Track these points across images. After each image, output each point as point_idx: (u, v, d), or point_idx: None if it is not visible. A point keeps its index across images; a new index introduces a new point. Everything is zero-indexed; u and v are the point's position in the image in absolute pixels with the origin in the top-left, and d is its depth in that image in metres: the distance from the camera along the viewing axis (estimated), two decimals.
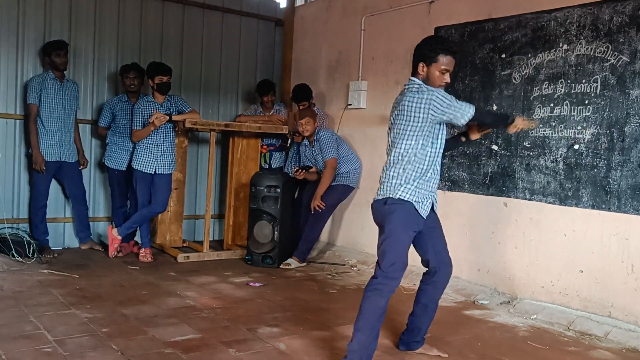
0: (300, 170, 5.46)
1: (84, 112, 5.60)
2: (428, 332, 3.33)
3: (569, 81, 4.03)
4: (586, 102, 3.93)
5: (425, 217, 2.98)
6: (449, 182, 4.82)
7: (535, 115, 4.21)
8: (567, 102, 4.04)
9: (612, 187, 3.78)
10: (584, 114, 3.94)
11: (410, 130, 2.88)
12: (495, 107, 4.47)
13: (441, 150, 2.99)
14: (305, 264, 5.41)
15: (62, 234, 5.56)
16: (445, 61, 2.89)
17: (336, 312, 3.96)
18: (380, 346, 3.34)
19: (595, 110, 3.88)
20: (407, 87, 2.97)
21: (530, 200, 4.25)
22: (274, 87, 6.03)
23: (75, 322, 3.47)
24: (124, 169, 5.43)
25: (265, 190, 5.22)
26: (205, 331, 3.42)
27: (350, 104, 5.77)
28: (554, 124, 4.10)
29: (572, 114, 4.00)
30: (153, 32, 5.92)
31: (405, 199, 2.90)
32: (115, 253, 5.24)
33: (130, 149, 5.34)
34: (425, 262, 3.15)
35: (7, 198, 5.22)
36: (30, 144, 5.07)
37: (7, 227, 5.06)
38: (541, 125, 4.17)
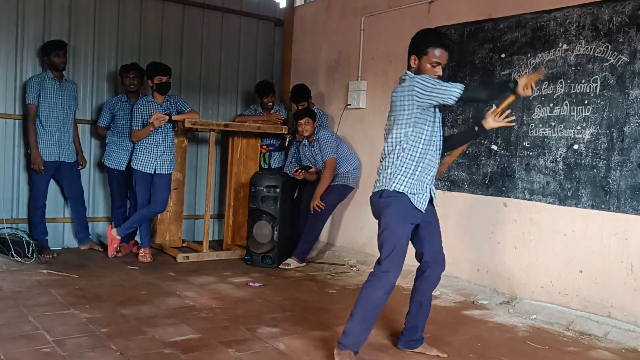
0: (299, 170, 5.45)
1: (84, 112, 5.59)
2: (427, 332, 3.33)
3: (568, 81, 4.03)
4: (586, 102, 3.93)
5: (423, 211, 2.99)
6: (449, 182, 4.81)
7: (534, 115, 4.21)
8: (566, 102, 4.03)
9: (611, 187, 3.78)
10: (583, 114, 3.94)
11: (400, 120, 2.93)
12: (494, 107, 4.45)
13: (435, 139, 2.98)
14: (304, 264, 5.40)
15: (62, 234, 5.56)
16: (436, 54, 2.91)
17: (336, 312, 3.95)
18: (380, 346, 3.35)
19: (595, 110, 3.88)
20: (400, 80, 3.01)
21: (529, 200, 4.25)
22: (273, 88, 6.02)
23: (74, 322, 3.46)
24: (124, 168, 5.42)
25: (264, 190, 5.22)
26: (205, 331, 3.42)
27: (350, 104, 5.77)
28: (553, 124, 4.10)
29: (572, 114, 4.00)
30: (153, 32, 5.92)
31: (400, 190, 2.93)
32: (115, 253, 5.24)
33: (130, 149, 5.34)
34: (419, 256, 3.16)
35: (6, 198, 5.22)
36: (29, 144, 5.06)
37: (7, 227, 5.05)
38: (541, 126, 4.17)
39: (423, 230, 3.08)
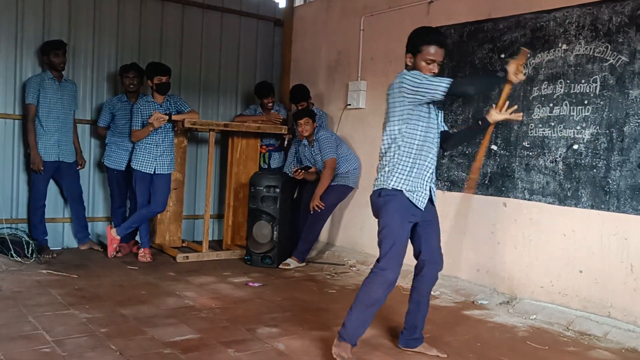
0: (299, 171, 5.45)
1: (83, 112, 5.59)
2: (427, 332, 3.34)
3: (568, 81, 4.03)
4: (585, 102, 3.93)
5: (422, 209, 2.99)
6: (448, 182, 4.81)
7: (534, 116, 4.21)
8: (566, 102, 4.03)
9: (611, 187, 3.78)
10: (583, 114, 3.94)
11: (393, 117, 2.96)
12: (494, 107, 4.45)
13: (432, 136, 2.98)
14: (304, 264, 5.40)
15: (61, 234, 5.56)
16: (430, 51, 2.91)
17: (335, 312, 3.95)
18: (380, 346, 3.35)
19: (595, 111, 3.88)
20: None
21: (529, 200, 4.25)
22: (273, 89, 6.02)
23: (74, 322, 3.46)
24: (123, 168, 5.42)
25: (264, 190, 5.22)
26: (204, 331, 3.42)
27: (350, 104, 5.77)
28: (553, 124, 4.10)
29: (572, 114, 4.00)
30: (152, 32, 5.92)
31: (398, 188, 2.94)
32: (114, 253, 5.24)
33: (130, 149, 5.34)
34: (416, 255, 3.17)
35: (5, 198, 5.22)
36: (29, 144, 5.06)
37: (6, 227, 5.05)
38: (540, 126, 4.17)
39: (421, 229, 3.09)
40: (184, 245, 5.93)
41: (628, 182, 3.70)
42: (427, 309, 3.23)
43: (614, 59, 3.78)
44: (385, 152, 3.01)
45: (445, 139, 3.14)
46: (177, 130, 5.40)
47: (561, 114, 4.06)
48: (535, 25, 4.22)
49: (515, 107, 3.05)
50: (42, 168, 5.03)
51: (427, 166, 2.98)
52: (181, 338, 3.29)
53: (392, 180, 2.96)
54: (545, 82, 4.15)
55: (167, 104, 5.20)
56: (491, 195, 4.51)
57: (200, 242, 5.69)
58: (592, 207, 3.88)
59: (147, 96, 5.25)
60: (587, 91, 3.92)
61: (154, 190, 5.20)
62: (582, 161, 3.94)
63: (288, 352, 3.18)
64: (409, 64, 2.99)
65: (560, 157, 4.06)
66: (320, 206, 5.27)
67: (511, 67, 2.79)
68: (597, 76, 3.87)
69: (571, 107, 4.01)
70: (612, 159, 3.78)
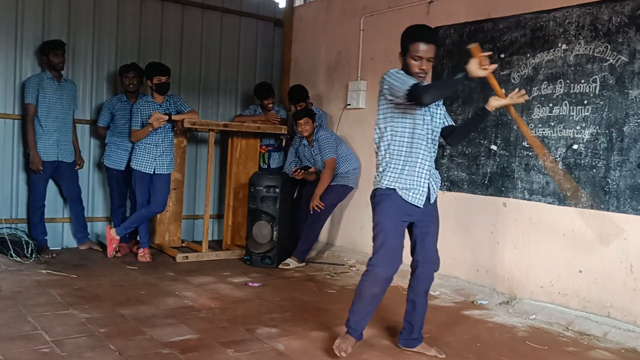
0: (299, 171, 5.45)
1: (83, 112, 5.59)
2: (426, 332, 3.33)
3: (567, 81, 4.03)
4: (585, 102, 3.92)
5: (420, 206, 3.00)
6: (448, 182, 4.81)
7: (534, 115, 4.20)
8: (566, 102, 4.03)
9: (611, 187, 3.78)
10: (582, 114, 3.94)
11: (379, 116, 3.03)
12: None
13: (423, 133, 2.98)
14: (304, 264, 5.40)
15: (61, 234, 5.56)
16: (416, 48, 2.92)
17: (335, 312, 3.95)
18: (380, 346, 3.35)
19: (594, 110, 3.87)
20: None
21: (529, 200, 4.25)
22: (273, 90, 6.01)
23: (73, 322, 3.46)
24: (123, 168, 5.42)
25: (264, 190, 5.22)
26: (204, 331, 3.42)
27: (349, 104, 5.77)
28: (553, 124, 4.10)
29: (571, 114, 4.00)
30: (152, 32, 5.92)
31: (391, 187, 2.98)
32: (114, 253, 5.23)
33: (130, 149, 5.34)
34: (412, 254, 3.18)
35: (5, 198, 5.22)
36: (28, 143, 5.06)
37: (6, 227, 5.05)
38: (540, 126, 4.17)
39: (418, 229, 3.10)
40: (183, 245, 5.93)
41: (628, 182, 3.70)
42: (425, 308, 3.22)
43: (613, 59, 3.78)
44: (377, 151, 3.06)
45: (449, 134, 3.13)
46: (177, 130, 5.40)
47: (561, 114, 4.06)
48: (535, 25, 4.22)
49: (517, 90, 2.99)
50: (41, 168, 5.03)
51: (421, 163, 2.99)
52: (180, 338, 3.29)
53: (385, 179, 3.00)
54: (545, 82, 4.15)
55: (166, 104, 5.20)
56: (491, 195, 4.51)
57: (200, 242, 5.69)
58: (591, 207, 3.88)
59: (146, 96, 5.25)
60: (587, 91, 3.92)
61: (154, 190, 5.20)
62: (582, 161, 3.93)
63: (287, 352, 3.18)
64: (400, 62, 3.03)
65: (560, 157, 4.06)
66: (320, 206, 5.27)
67: (471, 65, 2.73)
68: (596, 76, 3.87)
69: (571, 107, 4.01)
70: (612, 159, 3.78)
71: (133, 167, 5.17)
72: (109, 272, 4.75)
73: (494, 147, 4.48)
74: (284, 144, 6.14)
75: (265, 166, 6.08)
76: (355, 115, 5.76)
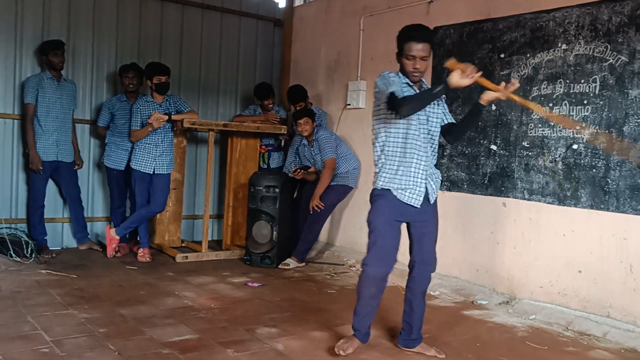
0: (298, 170, 5.45)
1: (83, 112, 5.59)
2: (426, 332, 3.33)
3: (567, 81, 4.03)
4: (585, 102, 3.92)
5: (416, 206, 3.00)
6: (448, 182, 4.81)
7: (534, 115, 4.20)
8: (566, 102, 4.03)
9: (610, 187, 3.78)
10: (582, 114, 3.94)
11: (375, 117, 3.06)
12: (494, 107, 4.46)
13: (417, 133, 2.98)
14: (303, 264, 5.40)
15: (61, 234, 5.56)
16: (409, 48, 2.93)
17: (335, 312, 3.95)
18: (379, 346, 3.35)
19: (594, 110, 3.87)
20: None
21: (529, 200, 4.24)
22: (273, 91, 6.01)
23: (72, 322, 3.46)
24: (123, 168, 5.42)
25: (264, 190, 5.22)
26: (203, 331, 3.42)
27: (349, 104, 5.76)
28: (552, 124, 4.10)
29: (571, 114, 4.00)
30: (152, 32, 5.92)
31: (386, 187, 3.01)
32: (114, 253, 5.23)
33: (129, 149, 5.33)
34: (410, 253, 3.20)
35: (5, 198, 5.22)
36: (27, 143, 5.05)
37: (5, 227, 5.05)
38: (540, 125, 4.17)
39: (415, 229, 3.11)
40: (183, 245, 5.93)
41: (627, 182, 3.70)
42: (422, 309, 3.22)
43: (613, 59, 3.78)
44: (374, 152, 3.10)
45: (449, 131, 3.13)
46: (177, 130, 5.40)
47: (561, 113, 4.05)
48: (534, 25, 4.22)
49: (504, 83, 2.96)
50: (40, 168, 5.03)
51: (417, 163, 2.99)
52: (180, 338, 3.29)
53: (380, 180, 3.04)
54: (545, 82, 4.15)
55: (166, 104, 5.20)
56: (491, 195, 4.51)
57: (200, 242, 5.69)
58: (591, 207, 3.88)
59: (146, 96, 5.25)
60: (587, 91, 3.91)
61: (153, 190, 5.19)
62: (582, 161, 3.93)
63: (287, 352, 3.17)
64: (398, 63, 3.03)
65: (559, 157, 4.06)
66: (320, 206, 5.27)
67: (452, 77, 2.75)
68: (596, 76, 3.87)
69: (571, 107, 4.00)
70: (612, 159, 3.77)
71: (133, 167, 5.17)
72: (109, 272, 4.74)
73: (493, 147, 4.48)
74: (282, 144, 6.14)
75: (265, 166, 6.08)
76: (355, 115, 5.76)
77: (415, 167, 2.99)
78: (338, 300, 4.28)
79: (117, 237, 5.19)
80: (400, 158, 2.99)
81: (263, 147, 6.06)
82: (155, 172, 5.17)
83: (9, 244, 4.82)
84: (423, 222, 3.09)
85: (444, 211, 4.53)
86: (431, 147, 3.06)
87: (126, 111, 5.37)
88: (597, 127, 3.85)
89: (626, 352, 3.45)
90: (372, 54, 5.60)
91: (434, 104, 3.03)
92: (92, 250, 5.46)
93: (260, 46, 6.64)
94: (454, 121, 3.17)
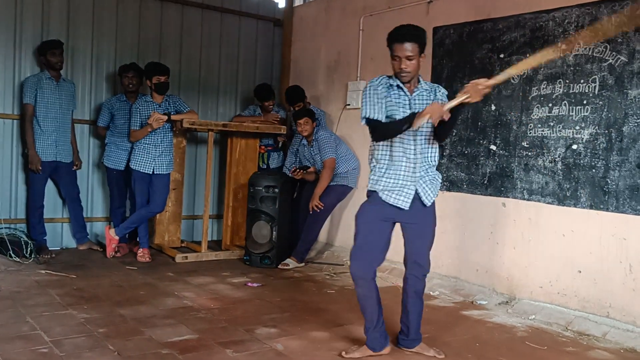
0: (298, 170, 5.45)
1: (82, 112, 5.59)
2: (426, 332, 3.33)
3: (567, 81, 4.03)
4: (584, 102, 3.92)
5: (404, 207, 3.01)
6: (447, 183, 4.81)
7: (533, 115, 4.20)
8: (565, 102, 4.03)
9: (610, 188, 3.78)
10: (582, 114, 3.93)
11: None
12: (493, 107, 4.46)
13: (407, 137, 2.98)
14: (303, 264, 5.40)
15: (60, 234, 5.55)
16: (393, 49, 2.97)
17: (335, 312, 3.95)
18: None
19: (594, 110, 3.87)
20: None
21: (528, 200, 4.24)
22: (273, 92, 6.00)
23: (72, 322, 3.46)
24: (123, 168, 5.42)
25: (263, 190, 5.22)
26: (203, 332, 3.41)
27: (349, 104, 5.76)
28: (552, 124, 4.10)
29: (571, 114, 4.00)
30: (151, 32, 5.91)
31: (373, 189, 3.06)
32: (113, 253, 5.23)
33: (129, 149, 5.33)
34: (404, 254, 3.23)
35: (4, 198, 5.22)
36: (27, 143, 5.05)
37: (5, 227, 5.04)
38: (539, 126, 4.17)
39: (406, 231, 3.14)
40: (183, 245, 5.92)
41: (627, 182, 3.70)
42: (417, 309, 3.22)
43: (612, 59, 3.78)
44: (368, 155, 3.17)
45: (436, 131, 3.07)
46: (176, 130, 5.39)
47: (560, 113, 4.05)
48: (534, 25, 4.22)
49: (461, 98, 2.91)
50: (40, 168, 5.03)
51: (406, 166, 3.01)
52: (179, 338, 3.29)
53: (370, 181, 3.10)
54: (545, 82, 4.15)
55: (165, 104, 5.20)
56: (490, 195, 4.50)
57: (199, 242, 5.68)
58: (591, 207, 3.87)
59: (146, 96, 5.25)
60: (586, 91, 3.91)
61: (153, 190, 5.19)
62: (581, 161, 3.93)
63: (287, 352, 3.17)
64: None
65: (559, 157, 4.06)
66: (320, 206, 5.26)
67: (417, 122, 2.77)
68: (596, 76, 3.87)
69: (570, 107, 4.00)
70: (611, 159, 3.77)
71: (132, 167, 5.17)
72: (108, 272, 4.74)
73: (493, 147, 4.48)
74: (280, 145, 6.13)
75: (265, 166, 6.07)
76: (355, 115, 5.75)
77: (404, 170, 3.01)
78: (337, 301, 4.28)
79: (117, 238, 5.19)
80: (389, 161, 3.03)
81: (262, 147, 6.05)
82: (155, 173, 5.17)
83: (9, 244, 4.82)
84: (414, 224, 3.09)
85: (444, 211, 4.55)
86: (422, 149, 3.04)
87: (126, 111, 5.37)
88: (597, 127, 3.85)
89: (626, 352, 3.45)
90: (372, 54, 5.60)
91: (424, 106, 2.99)
92: (91, 250, 5.45)
93: (260, 46, 6.64)
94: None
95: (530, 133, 4.22)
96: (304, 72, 6.46)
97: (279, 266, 5.24)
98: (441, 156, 4.82)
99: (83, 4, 5.52)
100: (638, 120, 3.66)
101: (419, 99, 3.04)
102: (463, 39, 4.71)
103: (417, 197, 3.04)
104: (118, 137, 5.42)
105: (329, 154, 5.30)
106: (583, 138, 3.92)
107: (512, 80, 4.34)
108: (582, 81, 3.94)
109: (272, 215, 5.21)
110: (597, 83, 3.86)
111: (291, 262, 5.30)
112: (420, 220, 3.09)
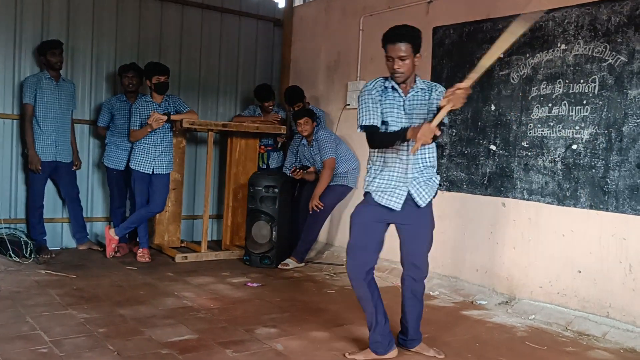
0: (298, 170, 5.45)
1: (82, 112, 5.59)
2: (426, 332, 3.33)
3: (567, 81, 4.03)
4: (584, 102, 3.92)
5: (395, 209, 3.01)
6: (447, 183, 4.81)
7: (533, 116, 4.20)
8: (565, 102, 4.03)
9: (610, 188, 3.78)
10: (582, 114, 3.94)
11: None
12: (493, 107, 4.46)
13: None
14: (303, 264, 5.40)
15: (60, 234, 5.55)
16: (386, 49, 3.01)
17: (334, 312, 3.95)
18: None
19: (594, 110, 3.87)
20: None
21: (528, 200, 4.24)
22: (274, 93, 6.00)
23: (72, 322, 3.46)
24: (123, 168, 5.41)
25: (263, 190, 5.22)
26: (203, 332, 3.41)
27: (349, 104, 5.76)
28: (552, 124, 4.10)
29: (570, 114, 4.00)
30: (151, 32, 5.91)
31: (367, 190, 3.09)
32: (113, 253, 5.23)
33: (129, 149, 5.33)
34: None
35: (4, 198, 5.22)
36: (26, 144, 5.05)
37: (5, 228, 5.04)
38: (539, 126, 4.17)
39: (401, 232, 3.14)
40: (182, 245, 5.92)
41: (627, 182, 3.70)
42: (416, 310, 3.22)
43: (612, 59, 3.78)
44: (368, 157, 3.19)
45: None
46: (176, 130, 5.39)
47: (560, 114, 4.05)
48: (534, 25, 4.21)
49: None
50: (39, 168, 5.03)
51: (399, 167, 3.01)
52: (179, 338, 3.29)
53: (365, 183, 3.12)
54: (544, 82, 4.15)
55: (165, 104, 5.20)
56: (490, 195, 4.50)
57: (199, 242, 5.68)
58: (590, 207, 3.88)
59: (145, 96, 5.25)
60: (586, 91, 3.91)
61: (153, 190, 5.19)
62: (581, 161, 3.93)
63: (286, 352, 3.17)
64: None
65: (559, 157, 4.06)
66: (319, 206, 5.26)
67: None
68: (595, 76, 3.87)
69: (570, 107, 4.00)
70: (611, 159, 3.77)
71: (132, 167, 5.17)
72: (108, 272, 4.74)
73: (493, 147, 4.48)
74: (279, 145, 6.13)
75: (265, 166, 6.08)
76: (355, 115, 5.70)
77: (397, 171, 3.02)
78: (337, 301, 4.28)
79: (117, 238, 5.19)
80: (383, 162, 3.05)
81: (262, 147, 6.05)
82: (155, 172, 5.17)
83: (8, 244, 4.82)
84: (409, 225, 3.08)
85: (444, 211, 4.56)
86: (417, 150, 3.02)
87: (126, 111, 5.37)
88: (597, 127, 3.85)
89: (625, 352, 3.45)
90: (371, 54, 5.60)
91: (419, 106, 2.99)
92: (91, 250, 5.45)
93: (260, 46, 6.64)
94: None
95: (530, 133, 4.22)
96: (303, 72, 6.46)
97: (279, 266, 5.24)
98: (441, 156, 4.82)
99: (83, 4, 5.52)
100: (638, 120, 3.66)
101: (413, 100, 3.04)
102: (463, 39, 4.71)
103: (410, 198, 3.02)
104: (118, 137, 5.42)
105: (329, 153, 5.30)
106: (583, 138, 3.92)
107: (511, 80, 4.34)
108: (581, 81, 3.94)
109: (272, 215, 5.22)
110: (597, 83, 3.86)
111: (291, 262, 5.30)
112: (414, 222, 3.08)
